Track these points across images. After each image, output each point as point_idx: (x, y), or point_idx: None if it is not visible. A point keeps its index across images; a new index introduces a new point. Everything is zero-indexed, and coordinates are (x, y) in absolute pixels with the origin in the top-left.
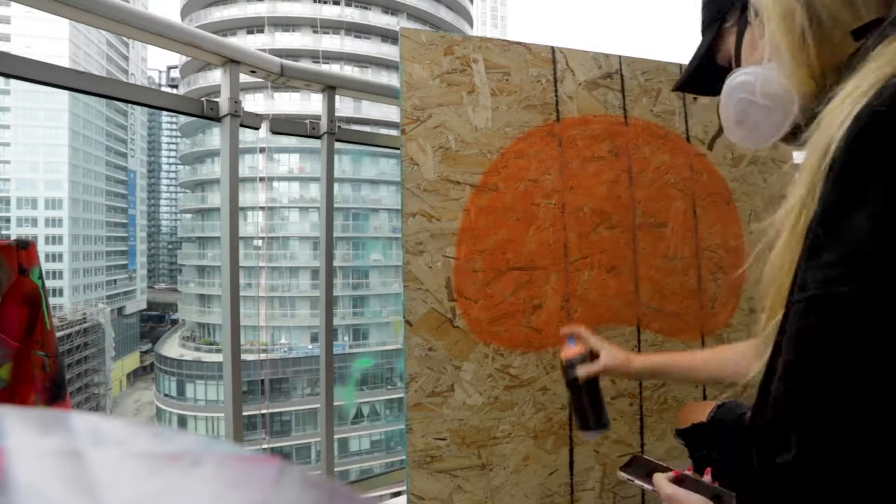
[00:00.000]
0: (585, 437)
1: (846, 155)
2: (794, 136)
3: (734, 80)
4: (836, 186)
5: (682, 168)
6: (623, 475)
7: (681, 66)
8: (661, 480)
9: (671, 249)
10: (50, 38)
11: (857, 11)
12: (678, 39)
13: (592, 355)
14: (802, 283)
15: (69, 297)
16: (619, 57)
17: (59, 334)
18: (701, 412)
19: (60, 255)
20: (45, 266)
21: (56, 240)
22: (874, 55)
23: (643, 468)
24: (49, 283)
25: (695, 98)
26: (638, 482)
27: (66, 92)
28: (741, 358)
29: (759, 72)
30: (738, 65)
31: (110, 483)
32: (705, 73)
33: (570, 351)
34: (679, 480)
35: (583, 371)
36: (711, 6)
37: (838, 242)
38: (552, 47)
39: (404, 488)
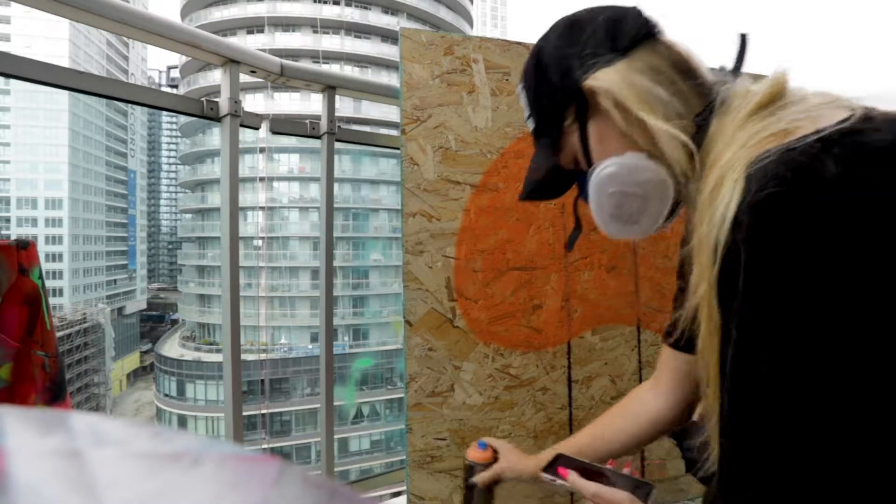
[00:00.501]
0: None
1: (748, 254)
2: (672, 214)
3: (600, 174)
4: (746, 287)
5: None
6: (545, 476)
7: None
8: (578, 480)
9: (671, 249)
10: (50, 38)
11: (685, 102)
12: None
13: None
14: (734, 352)
15: (69, 297)
16: None
17: (59, 334)
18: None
19: (60, 255)
20: (45, 266)
21: (56, 240)
22: (727, 140)
23: (567, 466)
24: (49, 283)
25: None
26: (559, 482)
27: (66, 92)
28: (628, 423)
29: (624, 161)
30: (590, 161)
31: (110, 483)
32: (552, 179)
33: (476, 454)
34: (599, 475)
35: (480, 477)
36: (543, 110)
37: (753, 317)
38: None
39: (404, 488)
